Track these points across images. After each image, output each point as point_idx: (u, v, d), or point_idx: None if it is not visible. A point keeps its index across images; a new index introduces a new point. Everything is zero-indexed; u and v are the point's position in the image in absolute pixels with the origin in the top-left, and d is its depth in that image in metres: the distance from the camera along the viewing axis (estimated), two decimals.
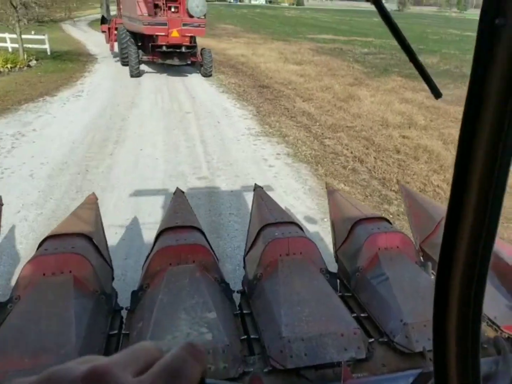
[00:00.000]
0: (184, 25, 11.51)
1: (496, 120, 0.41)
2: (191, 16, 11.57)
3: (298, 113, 8.73)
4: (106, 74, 13.08)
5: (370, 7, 0.51)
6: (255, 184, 2.59)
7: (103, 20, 16.60)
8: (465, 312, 0.52)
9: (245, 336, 1.47)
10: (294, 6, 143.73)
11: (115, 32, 14.38)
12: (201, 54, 12.77)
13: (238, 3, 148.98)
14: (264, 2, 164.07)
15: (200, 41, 22.23)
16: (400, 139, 7.01)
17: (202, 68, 12.79)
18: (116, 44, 14.35)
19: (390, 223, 1.95)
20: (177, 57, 12.16)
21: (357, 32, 33.20)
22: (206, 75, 12.69)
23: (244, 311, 1.63)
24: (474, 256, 0.48)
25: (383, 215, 2.34)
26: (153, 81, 11.99)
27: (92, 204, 2.19)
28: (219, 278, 1.67)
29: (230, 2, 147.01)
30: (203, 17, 11.84)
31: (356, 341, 1.30)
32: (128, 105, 9.13)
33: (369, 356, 1.31)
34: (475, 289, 0.50)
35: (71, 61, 15.42)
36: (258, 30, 34.88)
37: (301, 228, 1.90)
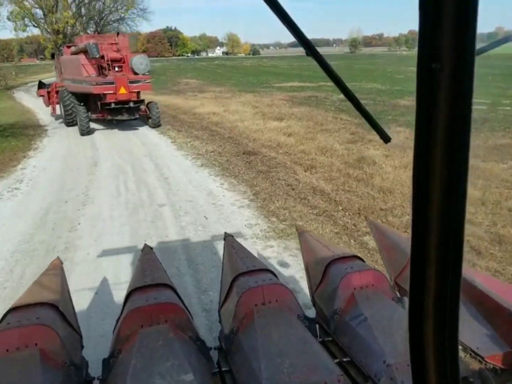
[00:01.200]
0: (131, 82, 12.32)
1: (447, 161, 0.44)
2: (135, 73, 12.44)
3: (307, 192, 6.70)
4: (56, 151, 10.80)
5: (323, 51, 0.52)
6: (225, 232, 2.48)
7: (41, 85, 16.58)
8: (441, 343, 0.52)
9: None
10: (251, 55, 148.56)
11: (56, 95, 15.08)
12: (148, 107, 13.43)
13: (196, 56, 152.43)
14: (221, 54, 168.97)
15: (167, 100, 20.52)
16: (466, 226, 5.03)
17: (150, 120, 13.47)
18: (58, 107, 15.14)
19: (363, 260, 1.95)
20: (126, 112, 12.88)
21: (320, 77, 32.55)
22: (155, 126, 13.42)
23: (223, 369, 1.57)
24: (443, 285, 0.49)
25: None
26: (113, 156, 9.78)
27: (56, 269, 2.12)
28: (194, 336, 1.60)
29: (188, 56, 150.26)
30: (147, 73, 12.75)
31: None
32: (81, 200, 6.83)
33: None
34: (449, 318, 0.51)
35: (15, 137, 13.09)
36: (221, 82, 33.94)
37: (275, 275, 1.86)
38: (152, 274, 1.95)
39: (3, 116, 17.97)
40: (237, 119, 13.97)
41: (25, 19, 34.65)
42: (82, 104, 13.15)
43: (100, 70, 12.30)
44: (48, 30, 37.05)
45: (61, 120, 15.32)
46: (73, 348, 1.58)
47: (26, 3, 34.66)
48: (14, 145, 11.91)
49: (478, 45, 0.42)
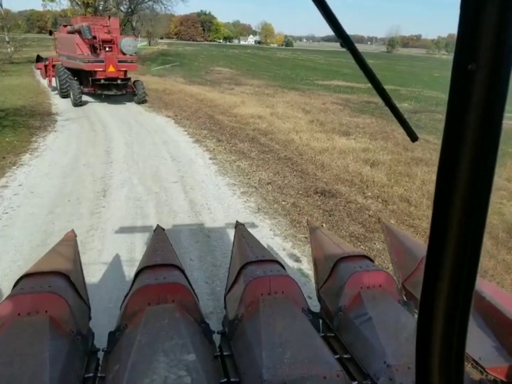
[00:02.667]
0: (119, 61, 13.77)
1: (474, 167, 0.41)
2: (124, 54, 13.79)
3: None
4: (57, 159, 8.10)
5: (359, 47, 0.57)
6: (237, 221, 2.51)
7: (39, 59, 17.96)
8: (448, 352, 0.51)
9: (225, 380, 1.42)
10: (284, 47, 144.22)
11: (52, 69, 16.31)
12: (134, 85, 14.78)
13: (228, 43, 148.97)
14: (253, 43, 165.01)
15: (201, 93, 17.56)
16: None
17: (136, 97, 14.80)
18: (54, 80, 16.38)
19: (372, 261, 1.92)
20: (114, 88, 14.31)
21: (364, 77, 29.33)
22: (140, 102, 14.78)
23: (225, 353, 1.58)
24: (456, 294, 0.48)
25: None
26: (131, 180, 7.00)
27: (70, 241, 2.15)
28: (199, 318, 1.63)
29: (219, 42, 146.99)
30: (134, 54, 14.17)
31: None
32: None
33: None
34: (457, 328, 0.49)
35: (14, 129, 10.51)
36: (257, 74, 31.04)
37: (282, 267, 1.86)
38: (163, 255, 1.98)
39: (12, 96, 15.49)
40: (290, 128, 11.07)
41: None
42: (75, 78, 14.44)
43: (93, 49, 13.52)
44: (78, 2, 34.56)
45: (76, 108, 13.68)
46: (81, 318, 1.61)
47: None
48: (9, 141, 9.31)
49: None
